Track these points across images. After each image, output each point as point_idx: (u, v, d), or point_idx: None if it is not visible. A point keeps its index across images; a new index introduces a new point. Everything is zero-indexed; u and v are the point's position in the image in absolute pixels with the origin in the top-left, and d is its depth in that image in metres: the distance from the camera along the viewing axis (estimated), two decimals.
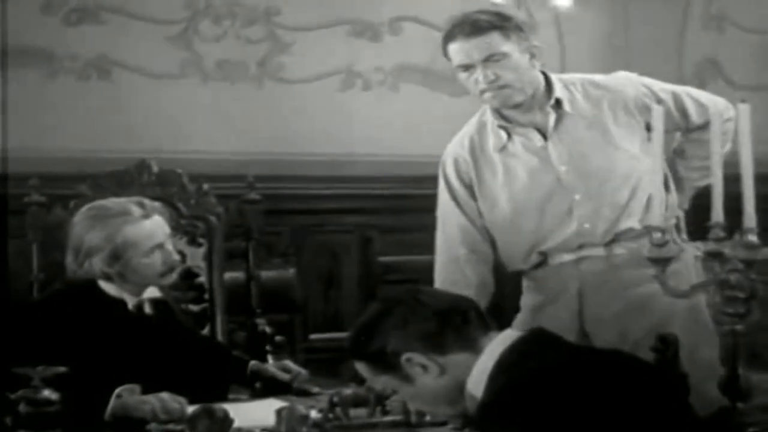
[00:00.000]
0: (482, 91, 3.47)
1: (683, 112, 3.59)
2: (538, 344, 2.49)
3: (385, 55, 5.72)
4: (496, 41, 3.44)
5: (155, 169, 4.13)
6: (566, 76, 3.63)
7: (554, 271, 3.59)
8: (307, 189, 5.51)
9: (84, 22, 5.21)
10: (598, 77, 3.64)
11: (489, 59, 3.43)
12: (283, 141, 5.43)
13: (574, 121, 3.53)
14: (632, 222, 3.50)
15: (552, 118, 3.52)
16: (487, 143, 3.61)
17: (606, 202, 3.50)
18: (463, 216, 3.64)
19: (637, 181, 3.50)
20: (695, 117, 3.58)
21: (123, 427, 3.05)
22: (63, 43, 5.17)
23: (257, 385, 3.53)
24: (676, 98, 3.60)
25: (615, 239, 3.51)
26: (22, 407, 2.66)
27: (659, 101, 3.44)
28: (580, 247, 3.53)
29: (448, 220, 3.67)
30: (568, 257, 3.56)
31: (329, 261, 5.69)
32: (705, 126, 3.53)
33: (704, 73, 6.24)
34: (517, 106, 3.51)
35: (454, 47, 3.52)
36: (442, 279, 3.66)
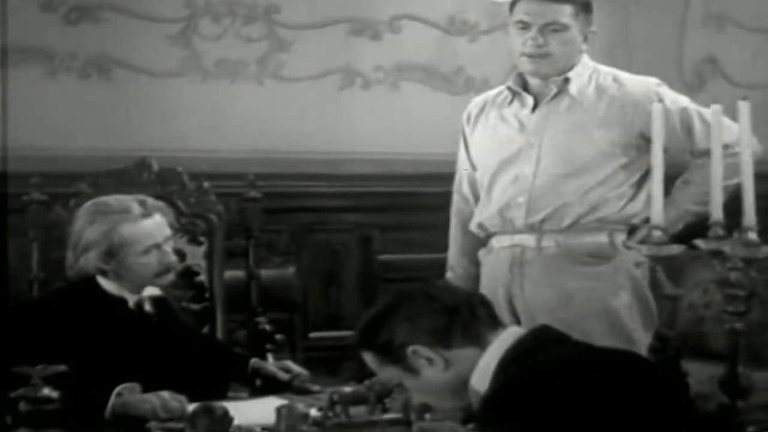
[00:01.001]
0: (522, 53, 3.57)
1: (688, 131, 3.57)
2: (542, 341, 2.50)
3: (385, 54, 5.72)
4: (565, 12, 3.55)
5: (155, 167, 4.12)
6: (602, 67, 3.71)
7: (494, 256, 3.72)
8: (308, 187, 5.51)
9: (84, 20, 5.20)
10: (625, 75, 3.70)
11: (548, 26, 3.54)
12: (283, 139, 5.42)
13: (570, 102, 3.59)
14: (572, 216, 3.58)
15: (552, 91, 3.62)
16: (496, 103, 3.75)
17: (553, 186, 3.59)
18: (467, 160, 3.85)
19: (596, 179, 3.54)
20: (701, 140, 3.54)
21: (123, 426, 3.06)
22: (63, 41, 5.17)
23: (258, 382, 3.53)
24: (684, 115, 3.59)
25: (544, 230, 3.58)
26: (22, 406, 2.66)
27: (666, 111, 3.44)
28: (511, 228, 3.62)
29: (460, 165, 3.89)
30: (504, 242, 3.66)
31: (329, 259, 5.69)
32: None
33: (704, 71, 6.24)
34: (543, 77, 3.62)
35: (523, 4, 3.58)
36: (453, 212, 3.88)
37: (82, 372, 2.94)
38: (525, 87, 3.67)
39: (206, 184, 4.20)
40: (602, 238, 3.59)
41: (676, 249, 2.58)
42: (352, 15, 5.65)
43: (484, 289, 3.70)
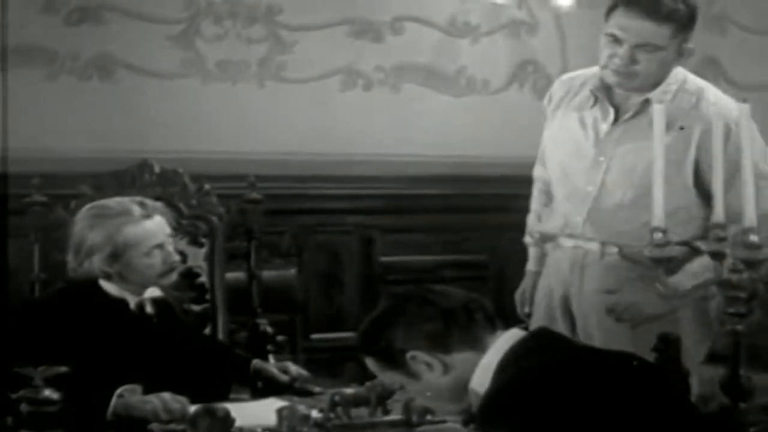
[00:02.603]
0: (606, 66, 3.39)
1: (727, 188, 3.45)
2: (542, 343, 2.51)
3: (386, 55, 5.72)
4: (662, 34, 3.31)
5: (156, 168, 4.12)
6: (693, 82, 3.49)
7: (554, 254, 3.67)
8: (309, 189, 5.51)
9: (85, 21, 5.20)
10: (713, 95, 3.47)
11: (641, 46, 3.32)
12: (284, 141, 5.42)
13: (648, 125, 3.44)
14: (631, 240, 3.43)
15: (633, 110, 3.46)
16: (579, 96, 3.59)
17: (613, 212, 3.49)
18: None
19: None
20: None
21: (124, 427, 3.06)
22: (64, 42, 5.17)
23: (259, 384, 3.53)
24: (731, 176, 3.38)
25: (608, 240, 3.52)
26: (23, 407, 2.66)
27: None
28: (571, 236, 3.56)
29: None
30: (567, 243, 3.60)
31: (330, 261, 5.69)
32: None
33: (705, 72, 6.23)
34: (627, 90, 3.45)
35: (620, 17, 3.35)
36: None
37: (84, 373, 2.94)
38: (607, 94, 3.50)
39: (207, 186, 4.20)
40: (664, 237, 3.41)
41: (677, 251, 2.58)
42: (353, 16, 5.65)
43: (544, 281, 3.70)
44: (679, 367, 2.60)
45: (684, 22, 3.34)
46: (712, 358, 3.51)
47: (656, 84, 3.43)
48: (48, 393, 2.66)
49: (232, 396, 3.46)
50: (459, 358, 2.52)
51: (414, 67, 5.77)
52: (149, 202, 3.48)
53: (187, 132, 5.28)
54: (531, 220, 3.86)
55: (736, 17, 6.27)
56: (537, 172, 3.86)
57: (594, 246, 3.55)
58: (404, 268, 5.56)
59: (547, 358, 2.43)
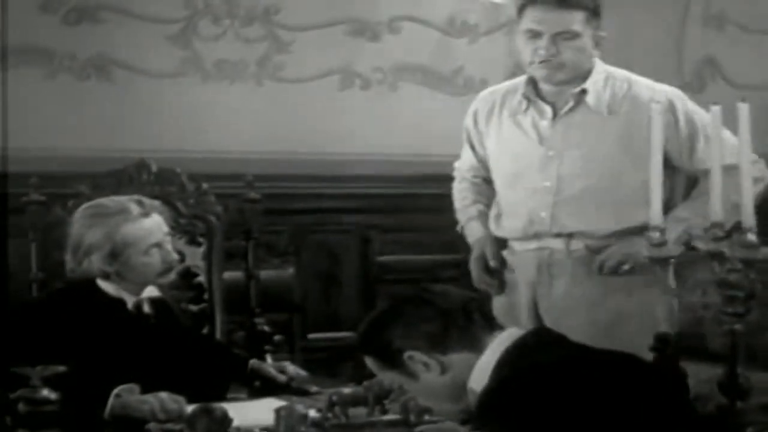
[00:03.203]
0: (532, 61, 3.50)
1: (690, 150, 3.53)
2: (540, 342, 2.51)
3: (384, 55, 5.72)
4: (576, 20, 3.47)
5: (154, 168, 4.12)
6: (614, 70, 3.64)
7: (517, 258, 3.69)
8: (307, 188, 5.51)
9: (83, 21, 5.20)
10: (642, 81, 3.62)
11: (560, 35, 3.46)
12: (282, 140, 5.43)
13: (588, 114, 3.56)
14: (600, 229, 3.55)
15: (570, 103, 3.56)
16: (507, 105, 3.68)
17: (577, 201, 3.55)
18: (474, 157, 3.83)
19: (620, 192, 3.51)
20: (700, 161, 3.49)
21: (122, 427, 3.05)
22: (62, 42, 5.17)
23: (256, 383, 3.53)
24: (692, 130, 3.54)
25: (573, 236, 3.56)
26: (21, 407, 2.65)
27: (674, 123, 3.44)
28: (536, 236, 3.59)
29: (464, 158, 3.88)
30: (529, 245, 3.64)
31: (328, 260, 5.69)
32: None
33: (704, 72, 6.25)
34: (557, 84, 3.56)
35: (532, 12, 3.49)
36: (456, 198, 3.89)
37: (81, 373, 2.93)
38: (539, 93, 3.61)
39: (205, 185, 4.20)
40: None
41: (675, 250, 2.58)
42: (351, 16, 5.65)
43: (510, 292, 3.70)
44: (677, 367, 2.60)
45: (592, 8, 3.50)
46: (710, 356, 3.51)
47: (582, 75, 3.55)
48: (46, 393, 2.65)
49: (229, 396, 3.46)
50: (456, 358, 2.52)
51: (412, 67, 5.78)
52: (147, 200, 3.47)
53: (185, 131, 5.28)
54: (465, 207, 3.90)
55: (735, 17, 6.27)
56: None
57: (559, 244, 3.59)
58: (402, 267, 5.57)
59: (544, 356, 2.43)
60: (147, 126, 5.22)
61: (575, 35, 3.46)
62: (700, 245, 2.52)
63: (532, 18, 3.48)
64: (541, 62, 3.49)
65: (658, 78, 3.74)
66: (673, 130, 3.48)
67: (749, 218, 2.48)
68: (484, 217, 3.79)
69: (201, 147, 5.20)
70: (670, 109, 3.51)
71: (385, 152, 5.58)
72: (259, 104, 5.49)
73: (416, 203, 5.50)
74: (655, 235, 2.58)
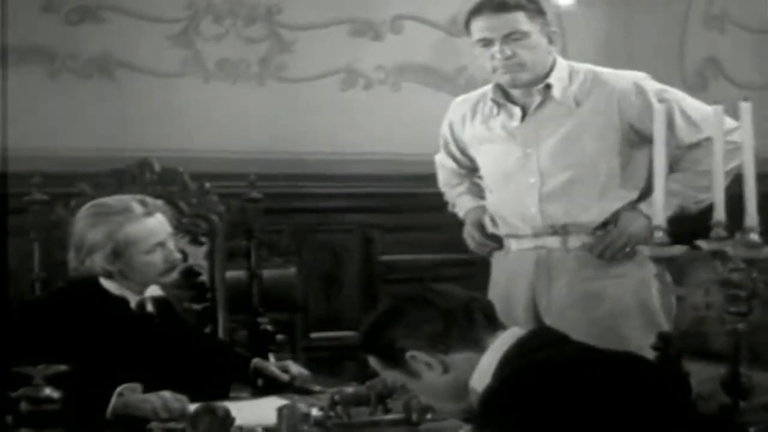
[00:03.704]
0: (495, 68, 3.60)
1: (669, 127, 3.56)
2: (542, 342, 2.51)
3: (386, 54, 5.72)
4: (520, 20, 3.56)
5: (157, 167, 4.12)
6: (577, 65, 3.72)
7: (514, 257, 3.73)
8: (309, 188, 5.51)
9: (85, 20, 5.20)
10: (606, 71, 3.71)
11: (509, 36, 3.55)
12: (284, 140, 5.43)
13: (556, 108, 3.62)
14: (590, 216, 3.60)
15: (537, 100, 3.64)
16: (479, 113, 3.77)
17: (563, 192, 3.61)
18: (454, 163, 3.94)
19: (601, 179, 3.58)
20: (684, 135, 3.57)
21: (124, 426, 3.05)
22: (64, 41, 5.17)
23: (259, 382, 3.53)
24: (668, 112, 3.57)
25: (568, 231, 3.59)
26: (23, 406, 2.66)
27: (648, 106, 3.48)
28: (534, 233, 3.62)
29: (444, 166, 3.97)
30: (526, 244, 3.68)
31: (330, 260, 5.69)
32: (698, 145, 3.53)
33: (706, 72, 6.24)
34: (522, 86, 3.63)
35: (477, 22, 3.60)
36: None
37: (84, 372, 2.94)
38: (507, 97, 3.69)
39: (208, 185, 4.20)
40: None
41: (678, 249, 2.58)
42: (353, 15, 5.65)
43: (498, 289, 3.72)
44: (679, 367, 2.60)
45: (532, 8, 3.59)
46: (713, 356, 3.51)
47: (545, 73, 3.63)
48: (48, 392, 2.65)
49: (232, 395, 3.46)
50: (459, 357, 2.52)
51: (414, 67, 5.78)
52: (150, 200, 3.47)
53: (188, 131, 5.28)
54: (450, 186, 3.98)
55: (736, 17, 6.27)
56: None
57: (556, 242, 3.64)
58: (404, 266, 5.57)
59: (546, 356, 2.43)
60: (149, 125, 5.22)
61: (524, 34, 3.56)
62: (703, 245, 2.52)
63: (478, 27, 3.59)
64: (501, 66, 3.57)
65: (660, 78, 3.74)
66: (648, 111, 3.48)
67: (752, 217, 2.48)
68: (473, 192, 3.90)
69: (203, 146, 5.20)
70: (640, 91, 3.59)
71: (387, 151, 5.59)
72: (261, 104, 5.49)
73: (418, 202, 5.49)
74: (659, 235, 2.57)
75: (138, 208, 3.39)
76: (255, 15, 5.50)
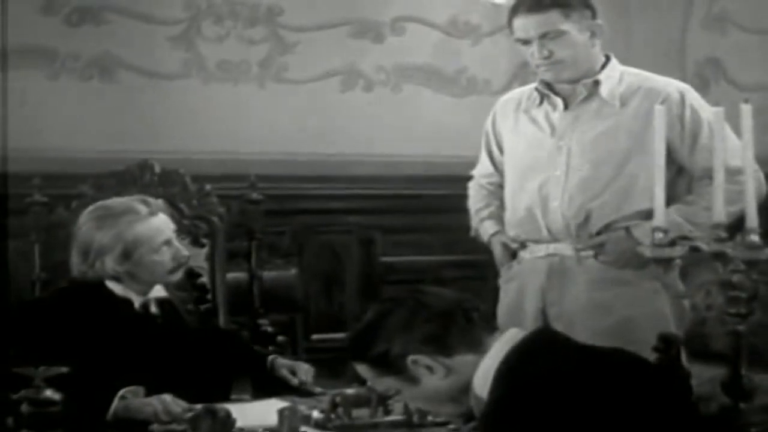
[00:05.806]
0: (537, 66, 3.59)
1: (692, 145, 3.54)
2: (543, 344, 2.49)
3: (387, 56, 5.72)
4: (554, 19, 3.53)
5: (157, 169, 4.12)
6: (633, 69, 3.69)
7: (525, 266, 3.70)
8: (310, 189, 5.51)
9: (85, 22, 5.20)
10: (653, 76, 3.68)
11: (545, 36, 3.53)
12: (285, 141, 5.43)
13: (600, 105, 3.59)
14: (608, 215, 3.57)
15: (582, 94, 3.61)
16: (524, 104, 3.75)
17: (586, 188, 3.57)
18: (490, 163, 3.87)
19: (626, 180, 3.55)
20: (702, 158, 3.48)
21: (125, 429, 3.05)
22: (65, 43, 5.17)
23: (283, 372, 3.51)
24: (695, 126, 3.56)
25: (581, 235, 3.58)
26: (24, 407, 2.66)
27: (679, 117, 3.48)
28: (550, 238, 3.62)
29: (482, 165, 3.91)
30: (538, 252, 3.65)
31: (331, 261, 5.69)
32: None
33: (706, 72, 6.24)
34: (566, 82, 3.62)
35: (517, 22, 3.59)
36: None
37: (86, 374, 2.94)
38: (551, 88, 3.66)
39: (208, 186, 4.20)
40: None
41: (678, 251, 2.58)
42: (354, 17, 5.65)
43: (508, 298, 3.71)
44: (681, 368, 2.60)
45: (567, 4, 3.55)
46: (714, 357, 3.51)
47: (590, 69, 3.61)
48: (49, 393, 2.66)
49: (233, 396, 3.46)
50: (461, 360, 2.49)
51: (415, 68, 5.78)
52: (151, 200, 3.47)
53: (188, 132, 5.28)
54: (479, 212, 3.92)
55: (737, 17, 6.27)
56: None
57: (569, 250, 3.60)
58: (405, 268, 5.56)
59: (549, 359, 2.42)
60: (150, 127, 5.22)
61: (560, 33, 3.53)
62: (704, 246, 2.52)
63: (517, 28, 3.58)
64: (542, 65, 3.56)
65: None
66: (678, 122, 3.52)
67: (752, 219, 2.48)
68: (494, 216, 3.84)
69: (204, 148, 5.20)
70: (681, 101, 3.56)
71: (388, 153, 5.58)
72: (262, 105, 5.49)
73: (420, 204, 5.50)
74: (659, 236, 2.57)
75: (142, 209, 3.39)
76: (256, 16, 5.51)
